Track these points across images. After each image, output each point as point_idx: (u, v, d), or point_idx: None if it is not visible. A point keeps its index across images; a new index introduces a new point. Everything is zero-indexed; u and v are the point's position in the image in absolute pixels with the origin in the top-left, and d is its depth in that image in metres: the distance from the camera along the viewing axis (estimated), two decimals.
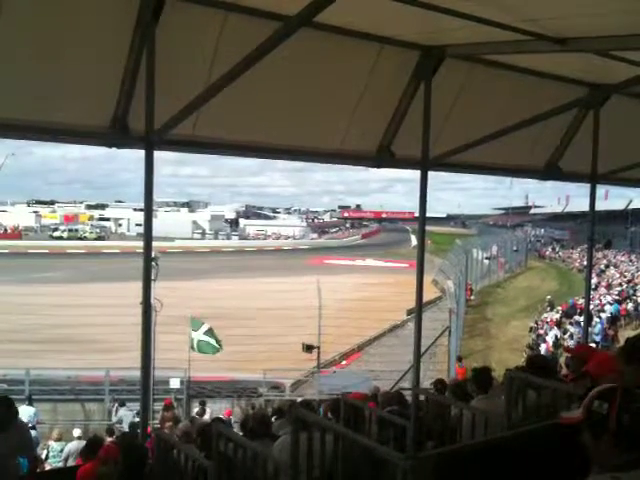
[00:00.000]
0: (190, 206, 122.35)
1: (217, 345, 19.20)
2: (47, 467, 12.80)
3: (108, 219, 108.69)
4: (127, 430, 13.93)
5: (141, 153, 5.96)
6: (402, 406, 6.61)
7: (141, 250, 6.16)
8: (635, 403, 2.35)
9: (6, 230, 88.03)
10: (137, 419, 14.68)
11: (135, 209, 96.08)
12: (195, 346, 19.11)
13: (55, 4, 5.31)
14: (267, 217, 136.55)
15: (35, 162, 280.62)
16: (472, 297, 37.79)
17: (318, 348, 21.46)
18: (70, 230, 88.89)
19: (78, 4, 5.36)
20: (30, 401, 16.34)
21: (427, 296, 23.38)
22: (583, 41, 6.18)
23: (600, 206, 42.05)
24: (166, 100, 5.76)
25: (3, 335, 23.21)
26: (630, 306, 29.29)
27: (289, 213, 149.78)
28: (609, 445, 2.33)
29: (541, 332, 27.11)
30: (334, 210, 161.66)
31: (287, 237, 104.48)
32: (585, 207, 11.46)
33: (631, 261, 47.35)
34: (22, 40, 5.35)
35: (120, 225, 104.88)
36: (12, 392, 18.48)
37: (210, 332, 19.32)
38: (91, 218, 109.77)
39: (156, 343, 13.15)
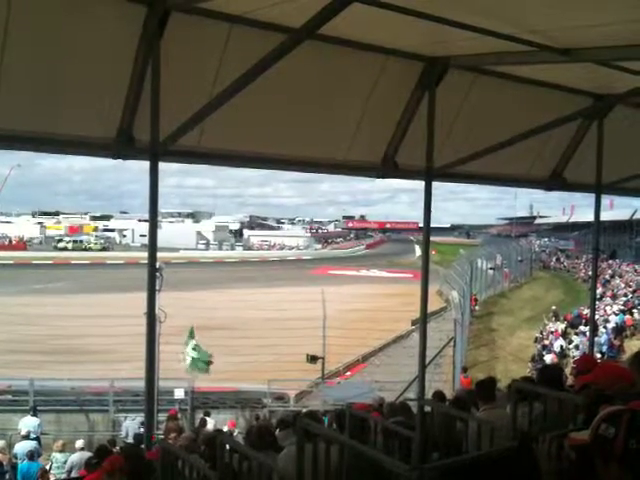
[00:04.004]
0: (194, 217, 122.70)
1: (205, 364, 18.88)
2: (51, 478, 12.79)
3: (113, 230, 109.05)
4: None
5: (146, 164, 5.99)
6: (407, 417, 6.57)
7: (145, 261, 6.17)
8: None
9: (11, 241, 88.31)
10: (142, 429, 14.68)
11: (140, 220, 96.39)
12: (188, 363, 18.84)
13: (61, 17, 5.35)
14: (271, 227, 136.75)
15: (40, 173, 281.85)
16: (477, 307, 37.71)
17: (322, 359, 21.42)
18: (75, 241, 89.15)
19: (84, 17, 5.40)
20: (34, 412, 16.33)
21: (432, 306, 23.35)
22: (587, 51, 6.20)
23: (605, 216, 41.93)
24: (171, 111, 5.79)
25: (7, 346, 23.23)
26: (636, 316, 29.14)
27: (293, 223, 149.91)
28: (617, 470, 2.29)
29: (546, 342, 27.01)
30: (338, 220, 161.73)
31: (291, 247, 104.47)
32: (590, 217, 11.47)
33: (636, 271, 47.13)
34: (28, 52, 5.38)
35: (124, 236, 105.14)
36: (16, 403, 18.55)
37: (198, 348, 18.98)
38: (96, 229, 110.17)
39: (160, 353, 13.13)
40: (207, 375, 19.17)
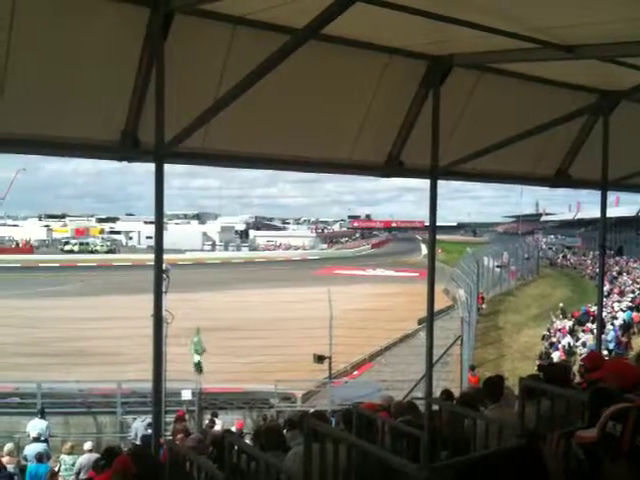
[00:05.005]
0: (200, 218, 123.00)
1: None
2: None
3: (119, 232, 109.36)
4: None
5: (151, 166, 5.99)
6: (415, 416, 6.57)
7: (152, 262, 6.17)
8: None
9: (18, 244, 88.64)
10: (149, 431, 14.70)
11: (146, 222, 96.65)
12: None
13: (65, 20, 5.36)
14: (277, 228, 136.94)
15: (46, 176, 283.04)
16: (484, 305, 37.64)
17: (329, 358, 21.39)
18: (81, 244, 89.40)
19: (88, 20, 5.41)
20: (42, 414, 16.37)
21: (438, 305, 23.25)
22: (591, 48, 6.18)
23: (611, 213, 41.86)
24: (176, 113, 5.79)
25: (15, 348, 23.32)
26: None
27: (299, 224, 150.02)
28: (624, 467, 2.28)
29: (554, 340, 26.94)
30: (344, 220, 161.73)
31: (297, 248, 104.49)
32: (596, 214, 11.41)
33: None
34: (33, 56, 5.39)
35: (131, 238, 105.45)
36: (24, 405, 18.61)
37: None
38: (102, 231, 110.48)
39: (167, 355, 13.14)
40: (201, 375, 19.12)
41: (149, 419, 15.58)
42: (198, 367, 18.76)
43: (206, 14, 5.74)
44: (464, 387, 19.03)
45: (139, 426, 16.15)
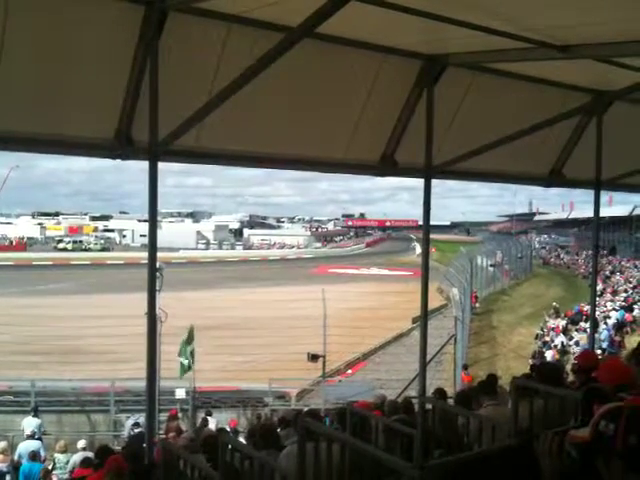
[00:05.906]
0: (194, 216, 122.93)
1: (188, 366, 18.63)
2: (54, 479, 12.80)
3: (112, 230, 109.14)
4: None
5: (146, 164, 5.98)
6: (409, 415, 6.58)
7: (145, 261, 6.17)
8: None
9: (11, 242, 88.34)
10: (138, 430, 14.71)
11: (139, 220, 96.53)
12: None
13: (59, 18, 5.34)
14: (271, 227, 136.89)
15: (40, 174, 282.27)
16: (477, 305, 37.69)
17: (323, 357, 21.40)
18: (75, 241, 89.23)
19: (82, 18, 5.39)
20: (36, 412, 16.32)
21: (432, 304, 23.32)
22: (585, 48, 6.20)
23: (604, 212, 41.94)
24: (170, 111, 5.78)
25: (8, 347, 23.21)
26: (636, 312, 29.13)
27: (293, 222, 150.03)
28: (618, 466, 2.29)
29: (547, 339, 27.01)
30: (338, 219, 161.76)
31: (291, 246, 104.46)
32: (589, 213, 11.45)
33: (636, 267, 47.11)
34: (27, 54, 5.38)
35: (124, 236, 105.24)
36: (17, 404, 18.55)
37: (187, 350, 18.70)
38: (95, 229, 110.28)
39: (161, 354, 13.10)
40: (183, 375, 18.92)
41: (137, 419, 15.60)
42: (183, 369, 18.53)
43: (201, 12, 5.73)
44: (458, 386, 19.07)
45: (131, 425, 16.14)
